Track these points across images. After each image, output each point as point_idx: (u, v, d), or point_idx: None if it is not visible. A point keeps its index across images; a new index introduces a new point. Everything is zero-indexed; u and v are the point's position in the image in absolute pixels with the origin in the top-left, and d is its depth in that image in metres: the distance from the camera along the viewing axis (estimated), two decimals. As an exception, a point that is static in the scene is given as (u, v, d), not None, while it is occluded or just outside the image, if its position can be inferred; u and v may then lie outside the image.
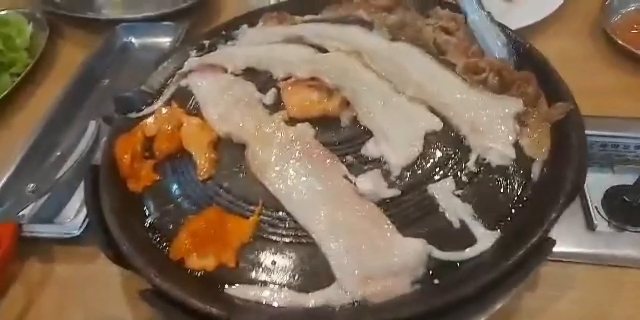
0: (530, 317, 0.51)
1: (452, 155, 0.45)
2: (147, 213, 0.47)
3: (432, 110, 0.48)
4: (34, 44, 0.82)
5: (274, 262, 0.41)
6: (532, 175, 0.44)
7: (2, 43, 0.79)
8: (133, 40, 0.83)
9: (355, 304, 0.38)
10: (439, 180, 0.43)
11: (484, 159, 0.44)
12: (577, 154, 0.44)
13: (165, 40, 0.80)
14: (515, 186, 0.43)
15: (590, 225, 0.53)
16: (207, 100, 0.53)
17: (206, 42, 0.63)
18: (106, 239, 0.44)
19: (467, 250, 0.40)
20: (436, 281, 0.39)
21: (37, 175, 0.61)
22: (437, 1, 0.62)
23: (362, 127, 0.47)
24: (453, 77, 0.51)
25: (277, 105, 0.51)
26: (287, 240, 0.42)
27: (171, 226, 0.45)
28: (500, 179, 0.44)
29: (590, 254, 0.52)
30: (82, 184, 0.58)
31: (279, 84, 0.52)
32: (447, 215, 0.42)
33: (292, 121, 0.49)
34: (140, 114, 0.55)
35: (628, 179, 0.60)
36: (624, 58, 0.74)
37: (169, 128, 0.51)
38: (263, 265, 0.41)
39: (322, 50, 0.55)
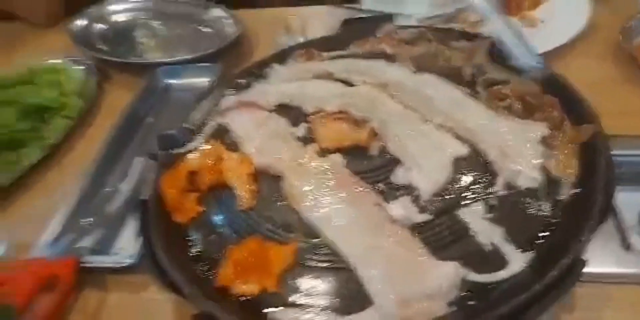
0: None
1: (481, 180, 0.46)
2: (192, 243, 0.50)
3: (459, 137, 0.50)
4: (85, 88, 0.88)
5: (313, 287, 0.43)
6: (561, 197, 0.45)
7: (54, 89, 0.86)
8: (173, 81, 0.88)
9: (393, 325, 0.39)
10: (469, 204, 0.45)
11: (513, 182, 0.46)
12: (605, 175, 0.45)
13: (202, 80, 0.84)
14: (545, 208, 0.44)
15: (625, 245, 0.53)
16: (244, 136, 0.57)
17: (241, 81, 0.67)
18: (158, 269, 0.47)
19: (500, 272, 0.41)
20: (471, 303, 0.40)
21: (91, 210, 0.65)
22: (462, 34, 0.64)
23: (390, 156, 0.50)
24: (478, 104, 0.53)
25: (309, 138, 0.54)
26: (324, 265, 0.44)
27: (215, 255, 0.48)
28: (530, 202, 0.45)
29: (626, 274, 0.51)
30: (131, 217, 0.63)
31: (310, 118, 0.55)
32: (478, 238, 0.43)
33: (323, 152, 0.52)
34: (183, 150, 0.58)
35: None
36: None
37: (211, 162, 0.54)
38: (303, 290, 0.43)
39: (350, 84, 0.59)
